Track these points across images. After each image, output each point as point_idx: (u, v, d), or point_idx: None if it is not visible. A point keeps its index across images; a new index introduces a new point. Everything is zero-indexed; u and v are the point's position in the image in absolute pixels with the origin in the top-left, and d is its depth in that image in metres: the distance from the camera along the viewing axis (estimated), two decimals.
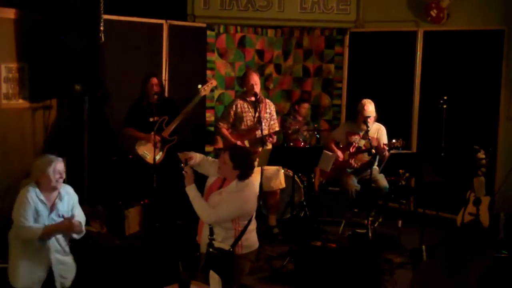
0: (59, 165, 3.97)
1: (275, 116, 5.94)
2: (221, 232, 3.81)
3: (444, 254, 3.01)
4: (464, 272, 2.89)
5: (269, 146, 5.66)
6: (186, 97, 6.04)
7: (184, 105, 5.80)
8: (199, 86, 5.81)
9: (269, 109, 5.86)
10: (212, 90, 6.26)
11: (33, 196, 3.88)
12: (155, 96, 5.64)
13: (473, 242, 2.99)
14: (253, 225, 3.95)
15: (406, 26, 6.81)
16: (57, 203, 3.98)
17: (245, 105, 5.80)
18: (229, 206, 3.76)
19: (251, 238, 3.93)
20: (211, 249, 3.78)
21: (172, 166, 5.83)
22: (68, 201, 4.07)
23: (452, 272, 2.92)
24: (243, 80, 5.89)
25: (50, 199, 3.96)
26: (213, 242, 3.80)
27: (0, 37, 5.30)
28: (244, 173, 3.83)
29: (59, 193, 4.01)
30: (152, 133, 5.54)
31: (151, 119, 5.58)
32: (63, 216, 3.96)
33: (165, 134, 5.66)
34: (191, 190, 3.86)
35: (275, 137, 5.73)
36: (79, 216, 4.11)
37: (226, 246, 3.78)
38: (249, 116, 5.79)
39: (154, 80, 5.74)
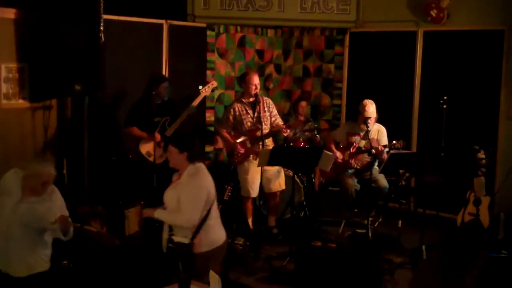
0: (51, 175, 3.84)
1: (275, 112, 5.93)
2: (177, 228, 3.76)
3: (439, 256, 3.02)
4: (459, 274, 2.90)
5: (270, 146, 5.68)
6: (186, 97, 6.05)
7: (184, 105, 5.82)
8: (200, 87, 5.83)
9: (268, 107, 5.86)
10: (212, 90, 6.28)
11: (14, 177, 3.83)
12: (165, 98, 5.73)
13: (467, 244, 3.00)
14: (213, 219, 3.83)
15: (406, 26, 6.80)
16: (34, 201, 3.81)
17: (243, 107, 5.80)
18: (189, 194, 3.69)
19: (212, 235, 3.82)
20: (170, 245, 3.73)
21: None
22: (48, 207, 3.84)
23: (447, 274, 2.92)
24: (242, 80, 5.89)
25: (26, 191, 3.81)
26: (173, 237, 3.74)
27: (0, 37, 5.30)
28: (193, 154, 3.78)
29: (40, 195, 3.84)
30: (155, 133, 5.56)
31: (155, 119, 5.60)
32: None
33: (168, 134, 5.69)
34: (158, 213, 3.81)
35: (288, 130, 5.72)
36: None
37: (185, 240, 3.72)
38: (248, 118, 5.79)
39: (167, 83, 5.79)
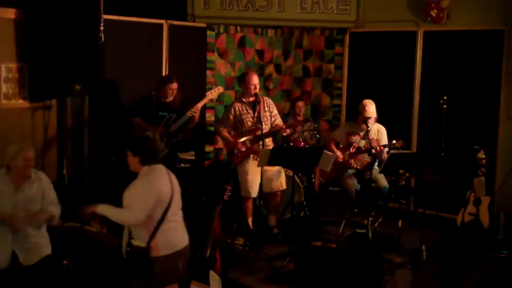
0: (29, 153, 4.02)
1: (275, 112, 5.93)
2: (135, 231, 3.75)
3: (442, 257, 3.02)
4: (460, 277, 2.89)
5: (270, 146, 5.68)
6: (186, 97, 6.06)
7: (184, 105, 5.85)
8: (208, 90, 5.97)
9: (268, 106, 5.87)
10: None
11: None
12: (169, 99, 5.79)
13: (467, 245, 2.99)
14: (173, 223, 3.78)
15: (406, 26, 6.80)
16: (26, 187, 4.05)
17: (243, 107, 5.80)
18: (140, 193, 3.68)
19: (172, 238, 3.76)
20: (128, 248, 3.73)
21: (174, 162, 5.88)
22: (39, 187, 4.13)
23: (447, 276, 2.92)
24: (242, 81, 5.90)
25: (17, 181, 4.03)
26: (132, 241, 3.74)
27: (0, 37, 5.30)
28: (145, 157, 3.78)
29: (30, 177, 4.08)
30: (161, 125, 5.66)
31: (160, 113, 5.67)
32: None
33: (171, 130, 5.73)
34: (101, 208, 3.84)
35: (288, 130, 5.72)
36: (51, 201, 4.19)
37: (142, 243, 3.70)
38: (248, 118, 5.80)
39: (174, 85, 5.81)
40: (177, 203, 3.85)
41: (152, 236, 3.68)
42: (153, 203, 3.68)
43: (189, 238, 3.92)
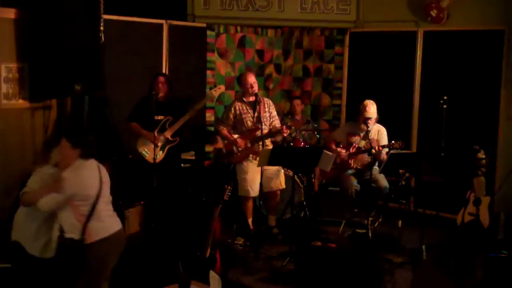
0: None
1: (274, 114, 5.94)
2: (66, 226, 3.78)
3: (444, 254, 3.01)
4: (466, 273, 2.89)
5: (270, 146, 5.69)
6: (186, 97, 6.06)
7: (182, 106, 5.84)
8: (207, 89, 5.89)
9: (268, 107, 5.87)
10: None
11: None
12: (160, 94, 5.71)
13: (468, 248, 2.98)
14: (102, 212, 3.84)
15: (406, 26, 6.80)
16: None
17: (244, 106, 5.81)
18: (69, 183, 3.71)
19: (102, 226, 3.82)
20: (61, 241, 3.77)
21: (171, 166, 5.87)
22: None
23: (452, 272, 2.92)
24: (240, 82, 5.91)
25: None
26: (63, 234, 3.76)
27: (0, 37, 5.30)
28: (85, 152, 3.80)
29: None
30: (154, 132, 5.57)
31: (156, 118, 5.61)
32: None
33: (167, 135, 5.71)
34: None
35: (288, 130, 5.73)
36: None
37: (76, 236, 3.74)
38: (248, 117, 5.80)
39: (161, 79, 5.80)
40: (107, 195, 3.94)
41: (85, 228, 3.73)
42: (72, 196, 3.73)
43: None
